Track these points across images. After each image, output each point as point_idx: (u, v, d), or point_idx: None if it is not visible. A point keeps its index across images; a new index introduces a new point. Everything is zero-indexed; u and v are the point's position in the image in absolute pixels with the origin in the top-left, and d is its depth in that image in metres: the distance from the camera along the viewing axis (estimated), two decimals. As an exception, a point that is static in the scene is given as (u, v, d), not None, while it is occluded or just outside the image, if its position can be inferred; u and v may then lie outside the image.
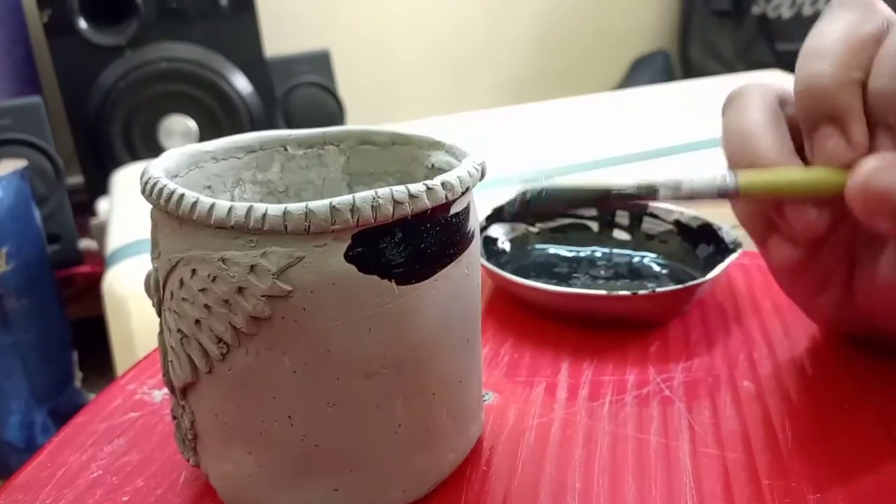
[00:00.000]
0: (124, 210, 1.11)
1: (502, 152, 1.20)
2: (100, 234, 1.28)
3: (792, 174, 0.27)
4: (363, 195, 0.23)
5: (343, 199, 0.23)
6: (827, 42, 0.28)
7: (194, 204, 0.24)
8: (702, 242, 0.44)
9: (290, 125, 1.66)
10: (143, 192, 0.26)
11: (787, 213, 0.28)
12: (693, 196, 0.27)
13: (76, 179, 1.58)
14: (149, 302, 0.28)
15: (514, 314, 0.42)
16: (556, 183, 0.28)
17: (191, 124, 1.54)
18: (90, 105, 1.51)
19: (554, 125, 1.44)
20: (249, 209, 0.23)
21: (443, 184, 0.25)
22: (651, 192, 0.27)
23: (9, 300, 1.17)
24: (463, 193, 0.26)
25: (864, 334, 0.36)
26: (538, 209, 0.28)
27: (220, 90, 1.54)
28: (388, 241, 0.24)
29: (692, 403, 0.33)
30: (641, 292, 0.37)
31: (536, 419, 0.33)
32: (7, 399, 1.21)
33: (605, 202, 0.27)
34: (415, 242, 0.25)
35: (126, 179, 1.23)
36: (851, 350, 0.37)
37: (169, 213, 0.25)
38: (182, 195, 0.24)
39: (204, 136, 1.54)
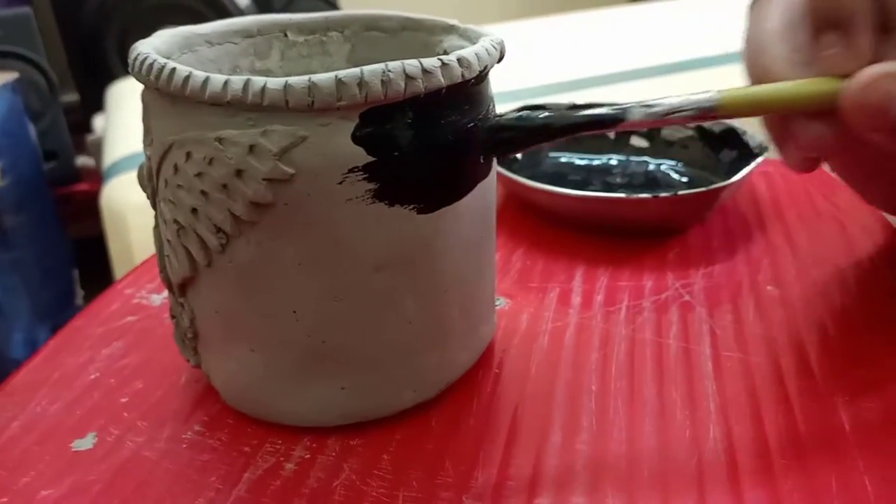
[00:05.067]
0: (121, 123, 1.08)
1: (511, 69, 1.16)
2: (97, 150, 1.25)
3: (781, 89, 0.25)
4: (372, 68, 0.21)
5: (350, 72, 0.21)
6: None
7: (187, 78, 0.21)
8: (725, 147, 0.42)
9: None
10: (132, 69, 0.24)
11: (792, 127, 0.26)
12: (670, 114, 0.25)
13: (71, 98, 1.54)
14: (147, 215, 0.26)
15: (527, 222, 0.41)
16: (529, 115, 0.25)
17: (187, 38, 1.49)
18: (83, 19, 1.46)
19: (566, 41, 1.39)
20: (247, 82, 0.21)
21: (459, 60, 0.23)
22: (623, 115, 0.25)
23: (6, 216, 1.15)
24: (481, 73, 0.24)
25: None
26: (508, 141, 0.26)
27: (217, 2, 1.48)
28: (399, 121, 0.22)
29: (713, 308, 0.32)
30: (662, 195, 0.35)
31: (550, 324, 0.32)
32: (10, 317, 1.21)
33: (576, 131, 0.25)
34: (428, 125, 0.23)
35: (122, 92, 1.20)
36: (881, 254, 0.35)
37: (160, 91, 0.23)
38: (174, 69, 0.22)
39: (201, 51, 1.49)
